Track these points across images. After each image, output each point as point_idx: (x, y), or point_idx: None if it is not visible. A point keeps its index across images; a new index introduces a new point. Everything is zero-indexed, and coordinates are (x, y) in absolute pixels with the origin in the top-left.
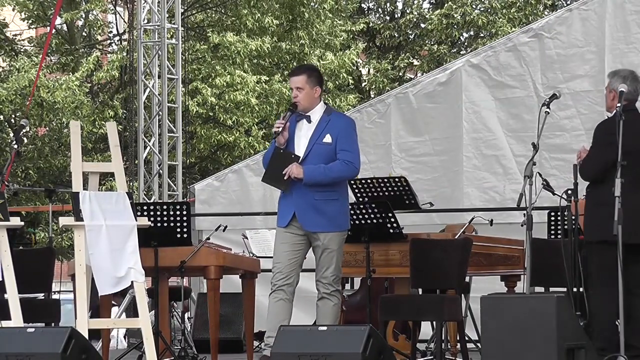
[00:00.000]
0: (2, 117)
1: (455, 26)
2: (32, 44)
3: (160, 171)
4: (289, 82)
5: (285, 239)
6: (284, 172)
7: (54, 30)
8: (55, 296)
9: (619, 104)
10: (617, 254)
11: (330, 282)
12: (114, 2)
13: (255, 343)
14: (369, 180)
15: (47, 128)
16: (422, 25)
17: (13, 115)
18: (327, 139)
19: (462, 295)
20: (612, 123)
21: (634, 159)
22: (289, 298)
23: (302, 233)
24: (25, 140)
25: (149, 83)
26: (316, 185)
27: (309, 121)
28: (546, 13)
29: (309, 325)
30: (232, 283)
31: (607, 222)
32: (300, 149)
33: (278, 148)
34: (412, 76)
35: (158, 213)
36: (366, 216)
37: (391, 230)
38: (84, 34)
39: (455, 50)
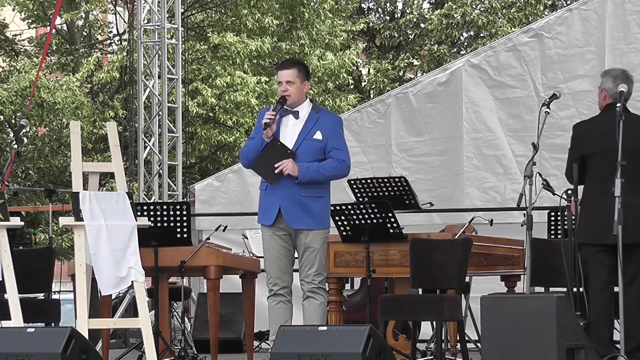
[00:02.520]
0: (2, 117)
1: (455, 26)
2: (32, 44)
3: (160, 171)
4: (277, 76)
5: (272, 244)
6: (276, 165)
7: (54, 30)
8: (55, 296)
9: (618, 104)
10: (617, 253)
11: (313, 280)
12: (114, 2)
13: (255, 343)
14: (369, 180)
15: (47, 128)
16: (422, 25)
17: (13, 116)
18: (318, 135)
19: (462, 295)
20: (580, 126)
21: (609, 159)
22: (288, 299)
23: (287, 232)
24: (25, 140)
25: (149, 83)
26: (310, 183)
27: (297, 117)
28: (546, 13)
29: (309, 325)
30: (232, 283)
31: (582, 224)
32: (286, 144)
33: (275, 139)
34: (412, 76)
35: (158, 213)
36: (366, 216)
37: (391, 230)
38: (84, 34)
39: (455, 50)
